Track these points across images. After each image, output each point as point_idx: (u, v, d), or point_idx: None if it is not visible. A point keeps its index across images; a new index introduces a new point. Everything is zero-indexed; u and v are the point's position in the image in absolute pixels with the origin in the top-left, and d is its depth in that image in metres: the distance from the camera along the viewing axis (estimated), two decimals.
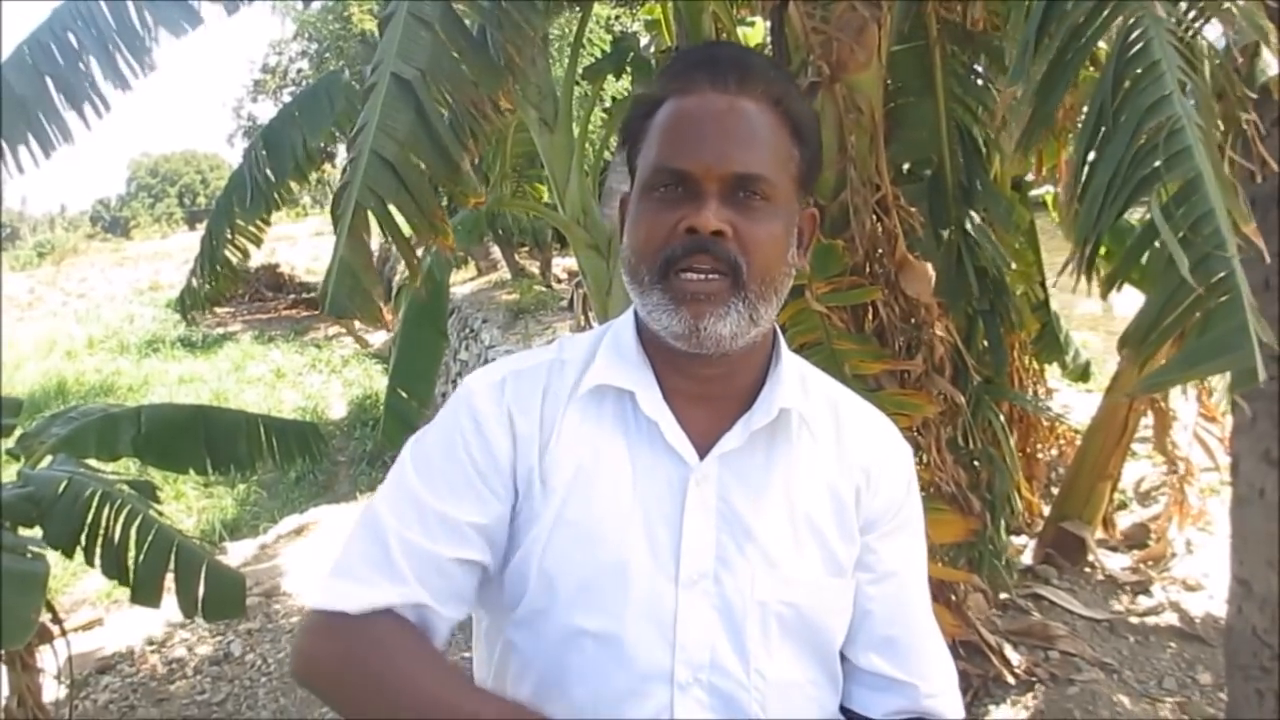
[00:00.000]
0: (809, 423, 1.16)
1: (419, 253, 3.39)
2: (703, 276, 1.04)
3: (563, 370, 1.18)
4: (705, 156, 1.04)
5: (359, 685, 1.02)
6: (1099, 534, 4.78)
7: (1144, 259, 1.94)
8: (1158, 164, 1.75)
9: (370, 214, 2.82)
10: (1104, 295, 2.08)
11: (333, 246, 2.91)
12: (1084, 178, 1.94)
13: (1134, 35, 1.91)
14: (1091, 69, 4.48)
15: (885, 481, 1.19)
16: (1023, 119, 2.20)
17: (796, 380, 1.18)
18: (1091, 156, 1.95)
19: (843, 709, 1.20)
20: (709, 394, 1.14)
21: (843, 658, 1.19)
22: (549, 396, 1.15)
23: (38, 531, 3.24)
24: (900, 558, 1.19)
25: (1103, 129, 1.91)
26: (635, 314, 1.16)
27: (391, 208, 2.85)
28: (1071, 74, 2.05)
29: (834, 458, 1.17)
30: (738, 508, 1.11)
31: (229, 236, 5.22)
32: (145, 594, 3.30)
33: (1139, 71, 1.87)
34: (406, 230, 2.97)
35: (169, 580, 3.37)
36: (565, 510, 1.10)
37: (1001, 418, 3.83)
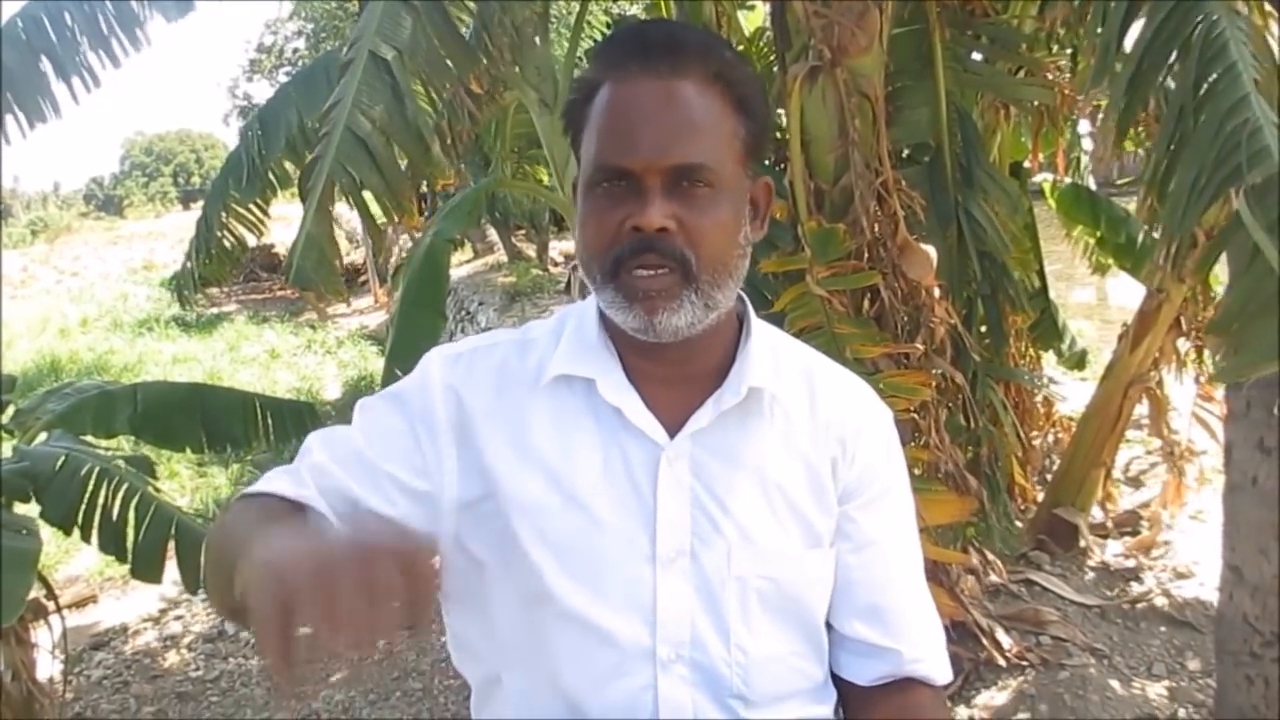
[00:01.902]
0: (781, 399, 1.16)
1: (419, 235, 3.40)
2: (652, 272, 1.03)
3: (524, 350, 1.18)
4: (643, 151, 1.02)
5: (217, 542, 1.05)
6: (1094, 519, 4.80)
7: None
8: (1240, 163, 1.79)
9: (340, 190, 2.84)
10: (1193, 282, 2.15)
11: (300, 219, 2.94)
12: (1162, 176, 1.99)
13: (1212, 35, 1.94)
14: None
15: (862, 450, 1.18)
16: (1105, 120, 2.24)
17: (768, 355, 1.17)
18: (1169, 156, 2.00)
19: (833, 675, 1.21)
20: (677, 375, 1.14)
21: (829, 626, 1.20)
22: (505, 377, 1.16)
23: (34, 508, 3.24)
24: (882, 526, 1.19)
25: (1182, 129, 1.95)
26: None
27: (362, 185, 2.87)
28: (1157, 74, 2.07)
29: (808, 430, 1.17)
30: (712, 484, 1.11)
31: (224, 219, 5.19)
32: (145, 570, 3.31)
33: (1217, 74, 1.90)
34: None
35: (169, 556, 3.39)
36: (539, 499, 1.10)
37: (1001, 395, 3.84)
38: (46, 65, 3.64)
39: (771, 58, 4.11)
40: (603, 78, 1.07)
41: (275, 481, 1.07)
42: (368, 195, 2.95)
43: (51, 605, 3.54)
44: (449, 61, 3.10)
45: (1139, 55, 2.08)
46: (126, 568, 3.40)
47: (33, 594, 3.41)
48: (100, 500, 3.29)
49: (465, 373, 1.15)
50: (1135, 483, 5.51)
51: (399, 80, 2.92)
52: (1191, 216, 1.90)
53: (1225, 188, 1.82)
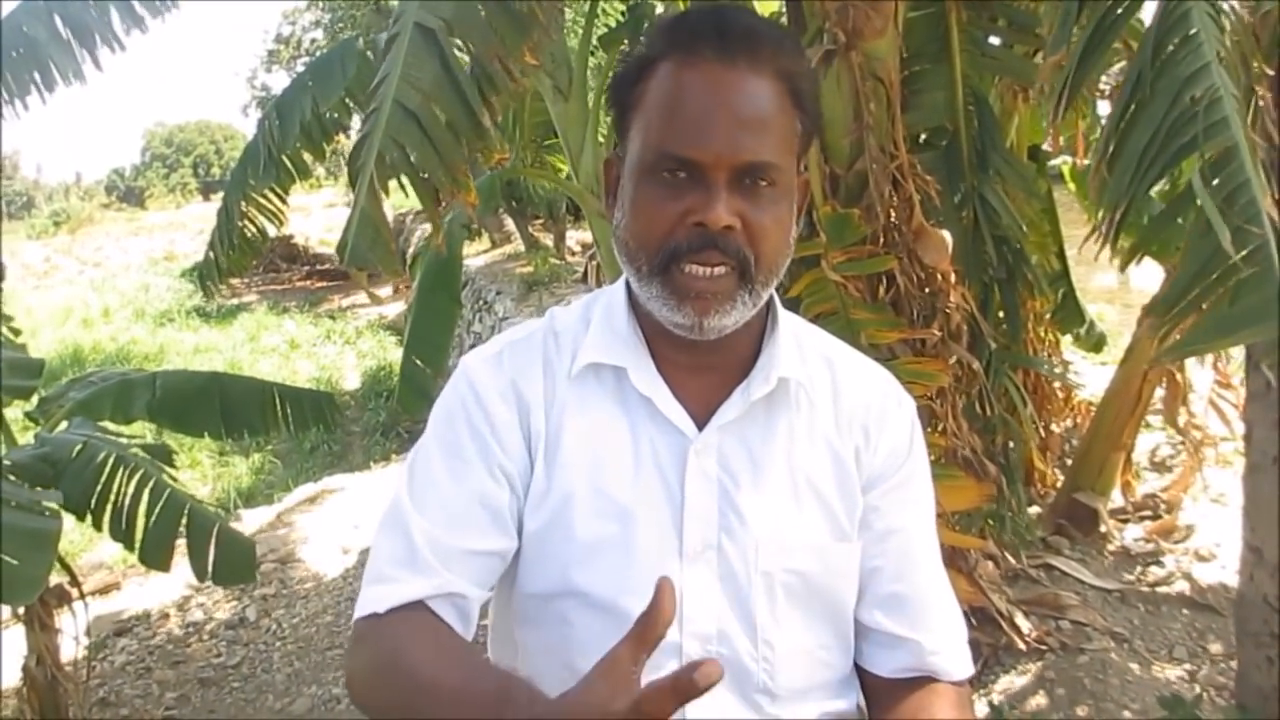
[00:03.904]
0: (807, 389, 1.15)
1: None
2: (708, 272, 1.01)
3: (557, 341, 1.17)
4: (716, 144, 0.99)
5: (388, 691, 1.01)
6: (1114, 503, 4.77)
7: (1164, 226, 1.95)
8: (1195, 133, 1.74)
9: (391, 165, 2.78)
10: (1123, 267, 2.10)
11: (352, 198, 2.88)
12: (1115, 144, 1.92)
13: (1173, 3, 1.90)
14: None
15: (885, 439, 1.17)
16: (1060, 86, 2.18)
17: (793, 344, 1.16)
18: (1122, 124, 1.94)
19: (855, 667, 1.20)
20: (705, 364, 1.13)
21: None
22: (549, 367, 1.15)
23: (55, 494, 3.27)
24: (904, 515, 1.18)
25: (1139, 97, 1.89)
26: (627, 284, 1.14)
27: (414, 159, 2.81)
28: (1110, 40, 2.03)
29: (832, 419, 1.16)
30: (739, 477, 1.10)
31: (244, 208, 5.16)
32: (154, 557, 3.33)
33: (1178, 41, 1.85)
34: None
35: (180, 546, 3.41)
36: (569, 489, 1.10)
37: (1018, 383, 3.82)
38: (64, 31, 3.61)
39: None
40: (665, 55, 1.04)
41: (405, 583, 1.05)
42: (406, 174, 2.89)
43: (75, 592, 3.58)
44: (497, 32, 3.03)
45: (1095, 21, 2.04)
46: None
47: (56, 580, 3.46)
48: (115, 487, 3.31)
49: (513, 367, 1.15)
50: (1160, 468, 5.46)
51: (446, 51, 2.86)
52: (1140, 186, 1.84)
53: (1178, 158, 1.78)
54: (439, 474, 1.11)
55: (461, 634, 1.07)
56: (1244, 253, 1.64)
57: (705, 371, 1.13)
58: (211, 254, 5.45)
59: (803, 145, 1.08)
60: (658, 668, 1.07)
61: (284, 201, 5.33)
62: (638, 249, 1.05)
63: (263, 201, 5.20)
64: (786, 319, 1.18)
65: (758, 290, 1.04)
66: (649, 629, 0.84)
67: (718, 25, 1.02)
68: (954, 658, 1.17)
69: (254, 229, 5.26)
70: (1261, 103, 2.13)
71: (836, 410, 1.16)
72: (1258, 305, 1.61)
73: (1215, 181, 1.71)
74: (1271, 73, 2.25)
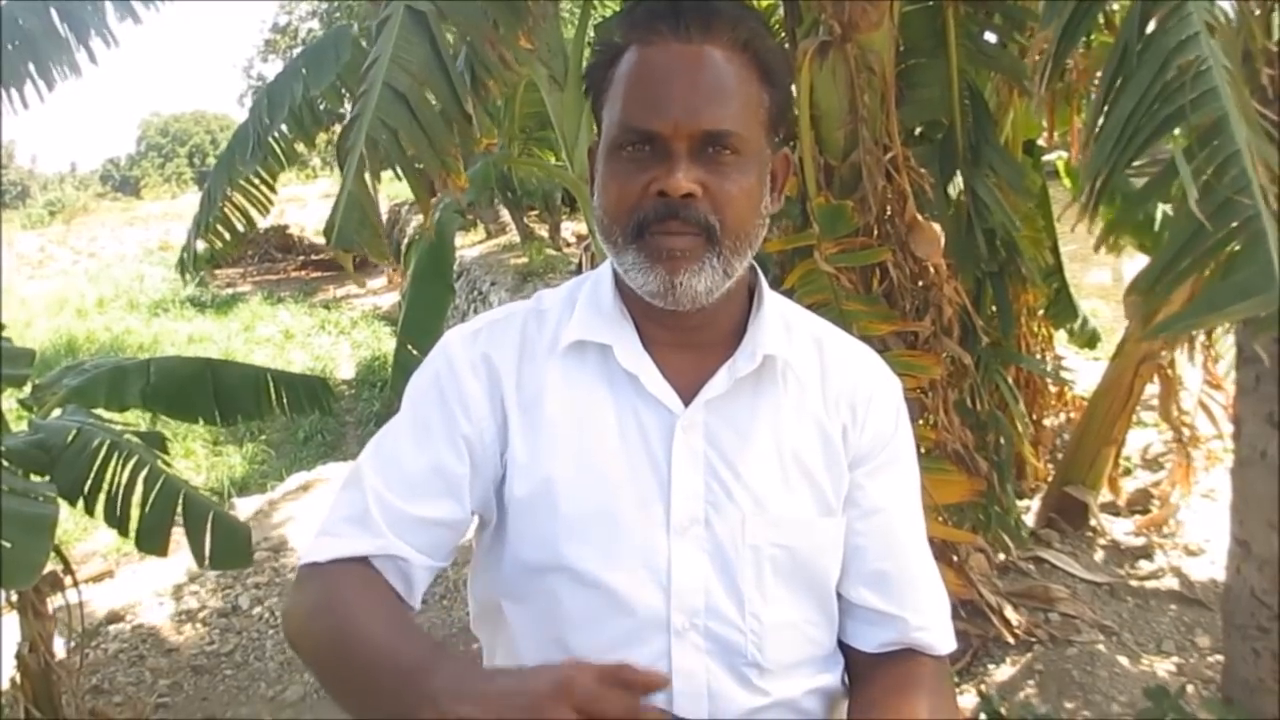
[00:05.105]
0: (793, 366, 1.17)
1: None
2: (675, 239, 1.04)
3: (541, 319, 1.19)
4: (673, 114, 1.02)
5: (320, 633, 1.05)
6: (1105, 498, 4.79)
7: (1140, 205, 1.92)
8: (1183, 104, 1.71)
9: (380, 148, 2.76)
10: (1098, 245, 2.08)
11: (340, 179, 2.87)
12: (1102, 117, 1.90)
13: None
14: (1107, 33, 4.48)
15: (872, 417, 1.19)
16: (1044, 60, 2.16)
17: (779, 322, 1.18)
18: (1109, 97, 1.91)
19: (839, 642, 1.22)
20: (690, 342, 1.15)
21: (837, 594, 1.20)
22: (526, 343, 1.17)
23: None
24: (889, 493, 1.20)
25: (1125, 69, 1.87)
26: (613, 265, 1.16)
27: (403, 142, 2.80)
28: (1095, 14, 2.01)
29: (819, 396, 1.18)
30: (726, 452, 1.12)
31: (228, 191, 5.06)
32: (150, 542, 3.32)
33: (1166, 11, 1.84)
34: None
35: (177, 534, 3.40)
36: (554, 465, 1.12)
37: (1009, 380, 3.83)
38: (60, 24, 3.59)
39: (782, 34, 4.10)
40: (629, 41, 1.07)
41: (351, 539, 1.09)
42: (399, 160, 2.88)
43: (69, 580, 3.57)
44: (491, 16, 3.00)
45: None
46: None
47: (50, 568, 3.45)
48: (109, 473, 3.31)
49: (488, 341, 1.17)
50: (1153, 465, 5.48)
51: (436, 34, 2.86)
52: (1123, 156, 1.80)
53: (1166, 128, 1.75)
54: (403, 441, 1.15)
55: (403, 596, 1.11)
56: (1235, 224, 1.62)
57: (691, 349, 1.15)
58: (191, 238, 5.35)
59: (773, 117, 1.10)
60: (645, 641, 1.10)
61: (271, 188, 5.25)
62: (611, 223, 1.08)
63: (247, 185, 5.11)
64: (773, 300, 1.20)
65: (726, 255, 1.06)
66: (635, 683, 0.86)
67: (672, 4, 1.06)
68: (938, 633, 1.19)
69: (238, 212, 5.16)
70: (1265, 80, 2.11)
71: (824, 389, 1.18)
72: (1252, 278, 1.58)
73: (1204, 153, 1.68)
74: (1274, 47, 2.23)
